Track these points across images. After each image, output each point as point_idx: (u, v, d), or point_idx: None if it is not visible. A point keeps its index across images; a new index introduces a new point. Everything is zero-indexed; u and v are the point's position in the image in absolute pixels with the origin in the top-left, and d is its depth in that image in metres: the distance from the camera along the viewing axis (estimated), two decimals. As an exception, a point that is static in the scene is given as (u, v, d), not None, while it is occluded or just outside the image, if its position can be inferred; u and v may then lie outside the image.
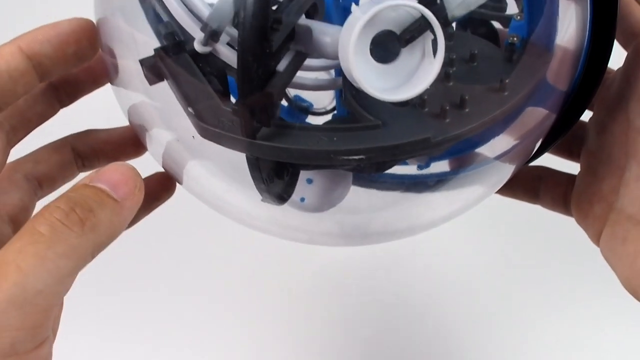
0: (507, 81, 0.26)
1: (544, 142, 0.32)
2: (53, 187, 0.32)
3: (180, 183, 0.31)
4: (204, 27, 0.26)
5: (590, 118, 0.32)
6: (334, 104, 0.34)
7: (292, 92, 0.34)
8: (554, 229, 0.37)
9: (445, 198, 0.30)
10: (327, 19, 0.29)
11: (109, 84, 0.32)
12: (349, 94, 0.26)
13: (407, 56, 0.24)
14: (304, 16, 0.26)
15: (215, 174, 0.30)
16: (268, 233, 0.31)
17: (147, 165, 0.32)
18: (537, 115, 0.29)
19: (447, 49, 0.24)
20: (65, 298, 0.25)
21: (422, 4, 0.23)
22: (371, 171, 0.28)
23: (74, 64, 0.29)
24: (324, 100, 0.34)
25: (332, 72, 0.30)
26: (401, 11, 0.23)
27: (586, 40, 0.30)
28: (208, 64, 0.28)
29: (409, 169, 0.30)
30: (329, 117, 0.34)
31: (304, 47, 0.26)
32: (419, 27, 0.23)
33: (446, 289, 0.58)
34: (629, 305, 0.29)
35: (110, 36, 0.30)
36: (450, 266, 0.59)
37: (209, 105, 0.27)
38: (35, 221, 0.23)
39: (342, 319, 0.57)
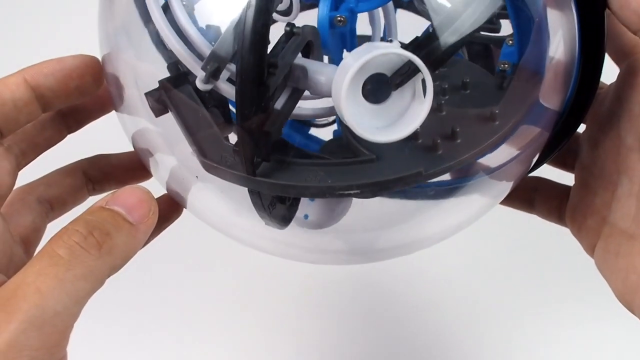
0: (497, 111, 0.27)
1: (541, 156, 0.33)
2: (64, 209, 0.33)
3: (185, 207, 0.32)
4: (205, 66, 0.27)
5: (583, 132, 0.33)
6: (334, 117, 0.35)
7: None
8: (552, 232, 0.37)
9: (443, 212, 0.31)
10: (324, 47, 0.30)
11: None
12: (345, 128, 0.27)
13: (398, 96, 0.25)
14: (299, 54, 0.27)
15: (219, 198, 0.31)
16: (273, 254, 0.32)
17: (156, 185, 0.33)
18: (531, 134, 0.30)
19: (440, 77, 0.25)
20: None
21: (410, 48, 0.24)
22: (367, 197, 0.29)
23: (76, 98, 0.30)
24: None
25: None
26: (391, 56, 0.24)
27: (577, 59, 0.30)
28: (211, 95, 0.29)
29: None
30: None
31: (300, 85, 0.27)
32: (408, 70, 0.24)
33: (444, 291, 0.59)
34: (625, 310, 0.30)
35: (115, 66, 0.31)
36: (448, 267, 0.60)
37: (212, 140, 0.28)
38: (54, 244, 0.24)
39: (342, 319, 0.58)
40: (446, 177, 0.30)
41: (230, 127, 0.31)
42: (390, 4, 0.32)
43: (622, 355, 0.54)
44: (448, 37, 0.24)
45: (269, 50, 0.26)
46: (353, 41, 0.31)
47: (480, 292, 0.58)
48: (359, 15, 0.30)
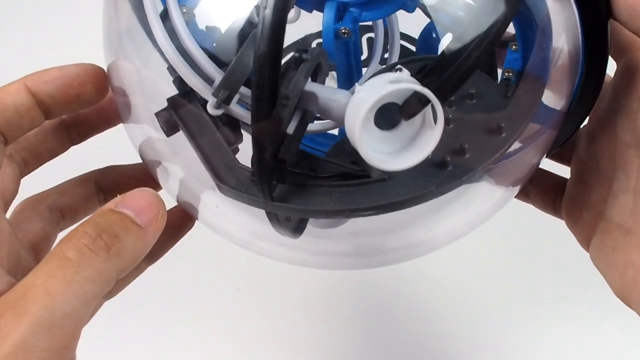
0: (503, 124, 0.28)
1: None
2: (75, 219, 0.34)
3: (196, 218, 0.33)
4: (217, 92, 0.27)
5: (581, 127, 0.34)
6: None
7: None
8: (553, 230, 0.38)
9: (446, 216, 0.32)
10: (330, 56, 0.30)
11: (119, 125, 0.34)
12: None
13: (408, 123, 0.25)
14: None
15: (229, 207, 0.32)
16: (283, 261, 0.33)
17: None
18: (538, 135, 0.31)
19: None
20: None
21: (419, 76, 0.25)
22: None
23: (77, 106, 0.31)
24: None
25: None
26: (405, 90, 0.24)
27: (580, 61, 0.31)
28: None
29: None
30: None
31: (311, 108, 0.27)
32: (419, 102, 0.24)
33: (445, 291, 0.60)
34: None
35: (121, 75, 0.31)
36: (448, 267, 0.60)
37: (226, 164, 0.29)
38: (64, 246, 0.25)
39: (343, 318, 0.59)
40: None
41: (239, 140, 0.31)
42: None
43: (623, 353, 0.55)
44: (458, 68, 0.24)
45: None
46: (357, 50, 0.32)
47: (482, 292, 0.59)
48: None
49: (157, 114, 0.31)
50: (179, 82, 0.31)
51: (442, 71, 0.25)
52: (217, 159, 0.29)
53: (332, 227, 0.33)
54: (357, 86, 0.25)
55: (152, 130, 0.32)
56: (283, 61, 0.25)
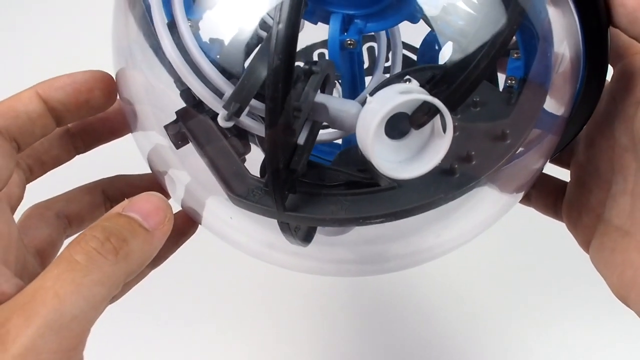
0: (508, 131, 0.29)
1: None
2: (81, 226, 0.34)
3: (200, 223, 0.33)
4: (228, 105, 0.28)
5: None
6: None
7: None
8: (553, 233, 0.39)
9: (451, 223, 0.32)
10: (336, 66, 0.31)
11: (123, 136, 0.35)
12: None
13: (418, 132, 0.26)
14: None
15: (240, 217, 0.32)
16: (294, 269, 0.34)
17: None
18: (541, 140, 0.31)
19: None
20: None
21: (428, 87, 0.25)
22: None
23: (87, 112, 0.31)
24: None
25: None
26: (415, 101, 0.25)
27: (582, 65, 0.31)
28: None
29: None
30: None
31: (321, 119, 0.28)
32: (429, 111, 0.25)
33: (446, 291, 0.60)
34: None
35: (129, 85, 0.32)
36: (450, 269, 0.61)
37: (238, 175, 0.29)
38: (72, 249, 0.25)
39: (343, 318, 0.59)
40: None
41: (248, 150, 0.32)
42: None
43: (624, 354, 0.55)
44: (467, 78, 0.25)
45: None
46: (360, 60, 0.32)
47: (484, 294, 0.59)
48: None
49: (166, 127, 0.31)
50: (187, 94, 0.32)
51: (451, 81, 0.25)
52: (228, 170, 0.29)
53: (339, 234, 0.34)
54: (368, 97, 0.25)
55: (161, 139, 0.32)
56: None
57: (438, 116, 0.25)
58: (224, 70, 0.29)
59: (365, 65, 0.40)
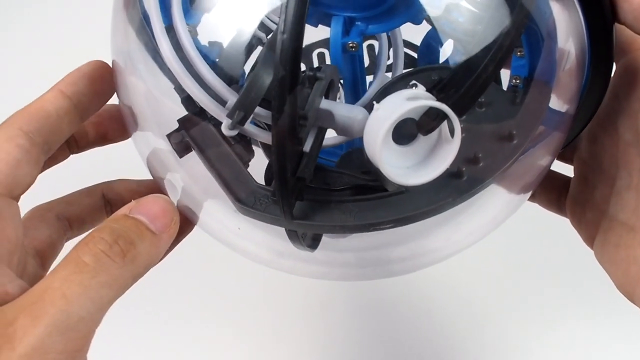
0: (514, 132, 0.28)
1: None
2: (82, 229, 0.34)
3: (195, 223, 0.33)
4: (232, 113, 0.27)
5: None
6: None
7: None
8: (556, 228, 0.39)
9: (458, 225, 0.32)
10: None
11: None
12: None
13: (425, 137, 0.26)
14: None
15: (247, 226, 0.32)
16: (295, 274, 0.34)
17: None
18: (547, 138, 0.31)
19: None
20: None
21: (435, 91, 0.25)
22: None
23: (103, 99, 0.32)
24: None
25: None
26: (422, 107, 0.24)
27: (587, 63, 0.31)
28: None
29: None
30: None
31: (327, 126, 0.28)
32: (436, 117, 0.25)
33: (446, 290, 0.60)
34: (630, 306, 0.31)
35: (129, 91, 0.32)
36: (452, 268, 0.61)
37: (243, 183, 0.29)
38: (80, 250, 0.25)
39: (344, 319, 0.59)
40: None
41: (251, 155, 0.31)
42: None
43: (629, 353, 0.55)
44: (475, 82, 0.25)
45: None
46: (361, 62, 0.32)
47: (484, 293, 0.59)
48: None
49: (169, 136, 0.31)
50: (188, 101, 0.31)
51: (458, 85, 0.25)
52: (233, 178, 0.29)
53: (344, 237, 0.34)
54: (374, 104, 0.25)
55: (160, 143, 0.32)
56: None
57: (445, 120, 0.25)
58: (224, 74, 0.29)
59: (365, 63, 0.40)
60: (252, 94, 0.27)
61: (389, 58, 0.36)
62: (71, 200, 0.34)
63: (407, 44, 0.37)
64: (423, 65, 0.36)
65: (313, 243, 0.31)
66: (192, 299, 0.61)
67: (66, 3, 0.82)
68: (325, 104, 0.27)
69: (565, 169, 0.36)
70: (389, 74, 0.36)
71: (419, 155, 0.26)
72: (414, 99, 0.25)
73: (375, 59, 0.37)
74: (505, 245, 0.60)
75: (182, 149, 0.30)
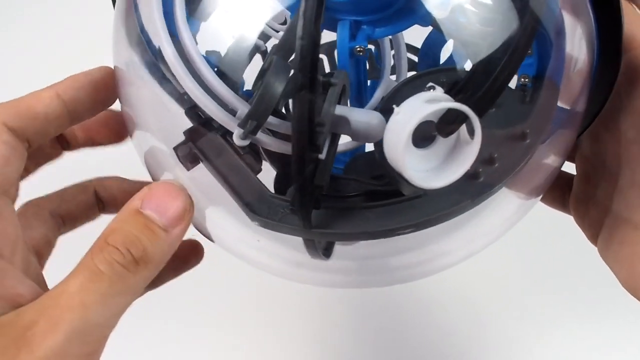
0: (528, 131, 0.28)
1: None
2: (74, 225, 0.34)
3: (206, 235, 0.33)
4: (244, 123, 0.27)
5: None
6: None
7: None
8: (560, 229, 0.39)
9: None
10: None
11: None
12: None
13: (444, 139, 0.26)
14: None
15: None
16: (312, 284, 0.33)
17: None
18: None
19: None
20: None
21: (453, 92, 0.25)
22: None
23: (101, 108, 0.32)
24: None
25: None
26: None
27: (595, 58, 0.31)
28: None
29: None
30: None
31: (342, 132, 0.27)
32: (457, 118, 0.24)
33: (449, 293, 0.60)
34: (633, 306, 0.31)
35: (131, 100, 0.31)
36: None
37: (257, 193, 0.28)
38: (96, 257, 0.25)
39: (343, 320, 0.59)
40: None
41: (260, 165, 0.31)
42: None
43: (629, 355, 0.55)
44: (494, 83, 0.24)
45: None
46: (365, 65, 0.32)
47: (486, 298, 0.59)
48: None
49: (175, 149, 0.30)
50: (193, 112, 0.31)
51: (475, 87, 0.25)
52: (247, 190, 0.28)
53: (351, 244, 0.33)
54: (395, 108, 0.25)
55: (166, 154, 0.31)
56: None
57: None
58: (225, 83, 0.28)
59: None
60: (264, 102, 0.26)
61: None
62: (64, 197, 0.34)
63: (407, 47, 0.37)
64: (424, 68, 0.36)
65: (326, 252, 0.31)
66: (194, 299, 0.61)
67: (66, 3, 0.81)
68: (340, 109, 0.26)
69: (569, 167, 0.36)
70: (393, 77, 0.36)
71: (439, 157, 0.26)
72: (434, 102, 0.24)
73: (374, 62, 0.37)
74: (510, 244, 0.60)
75: (190, 161, 0.30)
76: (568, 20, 0.28)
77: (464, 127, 0.25)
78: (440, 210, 0.27)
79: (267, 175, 0.31)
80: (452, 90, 0.25)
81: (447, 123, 0.24)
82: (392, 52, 0.36)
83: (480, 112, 0.24)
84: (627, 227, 0.31)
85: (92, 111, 0.31)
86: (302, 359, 0.58)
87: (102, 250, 0.25)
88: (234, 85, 0.29)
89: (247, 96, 0.29)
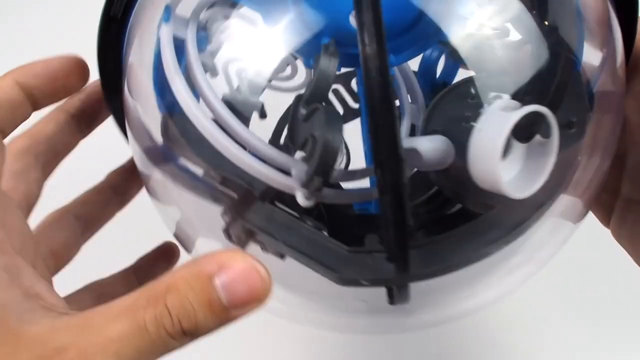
0: (574, 120, 0.28)
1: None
2: (96, 227, 0.35)
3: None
4: (308, 181, 0.25)
5: None
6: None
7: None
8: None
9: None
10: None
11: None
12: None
13: (517, 146, 0.25)
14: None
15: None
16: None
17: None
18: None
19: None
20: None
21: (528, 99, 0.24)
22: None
23: (63, 95, 0.32)
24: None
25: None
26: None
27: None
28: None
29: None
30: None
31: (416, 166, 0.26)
32: (536, 121, 0.24)
33: None
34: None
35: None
36: None
37: (336, 255, 0.26)
38: (147, 312, 0.23)
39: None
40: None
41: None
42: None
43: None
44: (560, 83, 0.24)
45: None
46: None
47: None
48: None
49: (226, 231, 0.27)
50: (230, 183, 0.28)
51: (543, 90, 0.25)
52: (324, 255, 0.26)
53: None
54: (475, 125, 0.24)
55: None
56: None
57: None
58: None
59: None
60: (328, 156, 0.24)
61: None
62: (85, 200, 0.34)
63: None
64: (424, 84, 0.35)
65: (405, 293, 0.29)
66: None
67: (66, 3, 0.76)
68: (407, 142, 0.25)
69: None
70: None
71: (517, 164, 0.25)
72: (510, 109, 0.24)
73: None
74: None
75: (246, 238, 0.27)
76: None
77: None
78: (523, 218, 0.26)
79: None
80: (519, 96, 0.25)
81: (527, 127, 0.24)
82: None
83: (554, 111, 0.24)
84: (638, 208, 0.31)
85: (52, 98, 0.31)
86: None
87: (155, 306, 0.23)
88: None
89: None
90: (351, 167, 0.35)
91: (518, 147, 0.25)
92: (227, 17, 0.30)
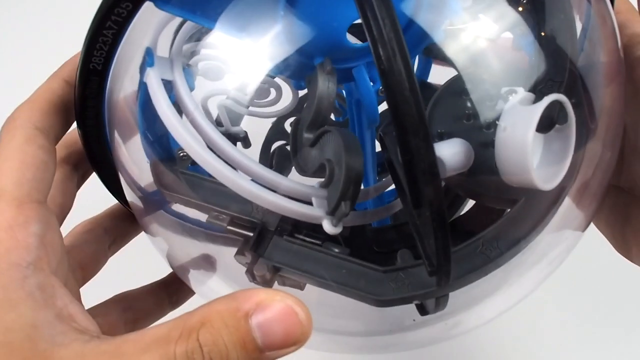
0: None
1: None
2: (123, 241, 0.34)
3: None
4: (335, 209, 0.24)
5: None
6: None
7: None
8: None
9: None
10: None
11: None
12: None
13: (536, 137, 0.25)
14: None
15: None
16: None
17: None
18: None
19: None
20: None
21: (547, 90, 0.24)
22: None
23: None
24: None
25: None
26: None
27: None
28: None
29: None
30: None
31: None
32: (558, 109, 0.24)
33: None
34: None
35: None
36: None
37: (368, 277, 0.25)
38: (179, 346, 0.22)
39: None
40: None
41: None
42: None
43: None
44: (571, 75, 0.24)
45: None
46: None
47: None
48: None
49: (248, 272, 0.26)
50: (239, 223, 0.27)
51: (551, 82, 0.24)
52: (359, 279, 0.25)
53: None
54: (499, 124, 0.23)
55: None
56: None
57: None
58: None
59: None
60: (352, 181, 0.23)
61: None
62: (114, 214, 0.34)
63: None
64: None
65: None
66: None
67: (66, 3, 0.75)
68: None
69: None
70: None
71: (538, 154, 0.25)
72: (529, 101, 0.23)
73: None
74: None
75: (272, 276, 0.26)
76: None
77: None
78: (540, 212, 0.26)
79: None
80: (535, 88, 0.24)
81: (548, 117, 0.23)
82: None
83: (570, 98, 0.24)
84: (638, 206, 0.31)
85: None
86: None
87: (188, 340, 0.22)
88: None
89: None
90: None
91: (537, 137, 0.25)
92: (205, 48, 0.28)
